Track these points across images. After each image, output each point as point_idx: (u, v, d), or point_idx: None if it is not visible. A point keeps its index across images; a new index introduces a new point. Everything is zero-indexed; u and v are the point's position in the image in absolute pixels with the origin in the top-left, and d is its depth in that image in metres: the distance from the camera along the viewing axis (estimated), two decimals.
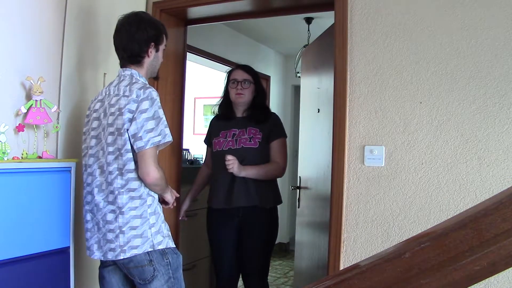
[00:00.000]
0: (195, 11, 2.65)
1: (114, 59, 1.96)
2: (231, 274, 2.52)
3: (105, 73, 2.27)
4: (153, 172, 1.69)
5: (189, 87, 3.35)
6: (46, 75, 1.96)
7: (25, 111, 1.86)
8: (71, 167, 1.97)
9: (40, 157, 1.92)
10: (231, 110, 2.56)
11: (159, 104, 1.74)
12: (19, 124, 1.85)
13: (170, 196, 1.92)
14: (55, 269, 1.90)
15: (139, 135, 1.67)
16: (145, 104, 1.69)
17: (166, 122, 1.74)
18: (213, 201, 2.48)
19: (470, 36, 1.90)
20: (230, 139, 2.46)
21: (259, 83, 2.58)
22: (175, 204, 1.99)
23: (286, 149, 2.55)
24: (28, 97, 1.89)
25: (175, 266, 1.78)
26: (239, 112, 2.55)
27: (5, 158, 1.74)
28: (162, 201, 1.92)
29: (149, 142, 1.67)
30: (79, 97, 2.19)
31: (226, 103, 2.58)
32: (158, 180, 1.73)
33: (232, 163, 2.30)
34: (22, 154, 1.86)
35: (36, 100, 1.88)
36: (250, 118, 2.50)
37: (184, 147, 3.36)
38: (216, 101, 2.69)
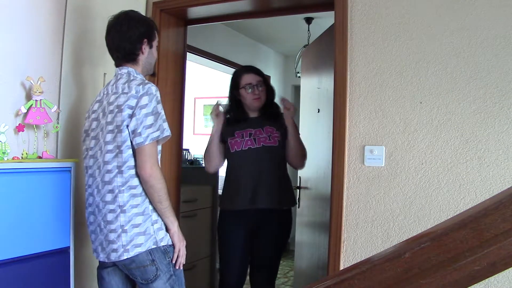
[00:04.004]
0: (195, 11, 2.65)
1: None
2: (239, 276, 2.46)
3: (105, 73, 2.27)
4: (149, 168, 1.66)
5: (189, 87, 3.35)
6: (46, 75, 1.96)
7: (25, 111, 1.86)
8: (71, 167, 1.97)
9: (40, 157, 1.92)
10: (243, 112, 2.51)
11: (159, 99, 1.73)
12: (19, 124, 1.85)
13: (178, 238, 1.76)
14: (55, 269, 1.90)
15: (139, 131, 1.66)
16: (144, 100, 1.68)
17: (164, 117, 1.73)
18: (235, 202, 2.40)
19: (470, 36, 1.90)
20: (247, 138, 2.41)
21: (268, 82, 2.58)
22: (182, 261, 1.78)
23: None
24: (28, 97, 1.89)
25: None
26: (252, 113, 2.50)
27: (5, 158, 1.74)
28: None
29: (148, 138, 1.66)
30: (79, 97, 2.19)
31: (236, 107, 2.51)
32: (155, 179, 1.67)
33: (292, 105, 2.44)
34: (22, 154, 1.86)
35: (36, 100, 1.88)
36: (264, 117, 2.48)
37: (184, 147, 3.36)
38: (216, 101, 2.65)
